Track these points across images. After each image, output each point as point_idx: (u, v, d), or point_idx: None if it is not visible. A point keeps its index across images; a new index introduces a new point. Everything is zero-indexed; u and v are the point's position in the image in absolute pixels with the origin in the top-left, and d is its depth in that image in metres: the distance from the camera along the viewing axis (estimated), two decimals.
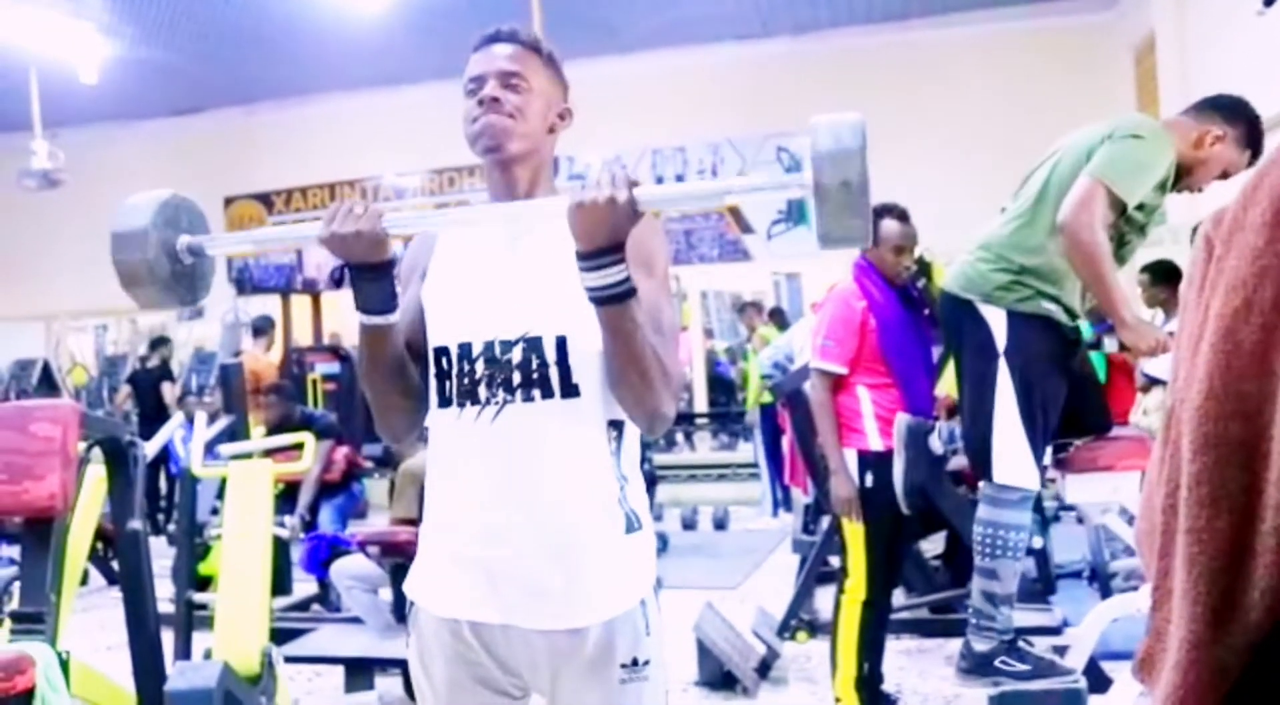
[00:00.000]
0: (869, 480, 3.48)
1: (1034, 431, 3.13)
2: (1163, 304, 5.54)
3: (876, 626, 3.63)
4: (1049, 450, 3.34)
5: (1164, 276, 5.57)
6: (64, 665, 2.60)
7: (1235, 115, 3.18)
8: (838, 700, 3.63)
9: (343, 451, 6.38)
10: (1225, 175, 3.16)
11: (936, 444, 3.52)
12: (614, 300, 1.52)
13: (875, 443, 3.48)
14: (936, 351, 3.78)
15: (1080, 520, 5.54)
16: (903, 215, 3.60)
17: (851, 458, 3.50)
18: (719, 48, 10.02)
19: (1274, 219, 0.83)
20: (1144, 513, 1.00)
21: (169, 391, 9.66)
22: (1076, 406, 3.30)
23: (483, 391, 1.65)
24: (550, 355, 1.64)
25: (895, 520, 3.53)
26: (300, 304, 12.07)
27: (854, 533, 3.54)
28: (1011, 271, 3.14)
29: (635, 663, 1.67)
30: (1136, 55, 8.72)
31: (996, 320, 3.14)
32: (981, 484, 3.29)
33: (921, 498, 3.54)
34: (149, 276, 1.67)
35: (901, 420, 3.46)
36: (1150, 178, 3.06)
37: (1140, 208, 3.09)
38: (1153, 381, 4.62)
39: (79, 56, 9.12)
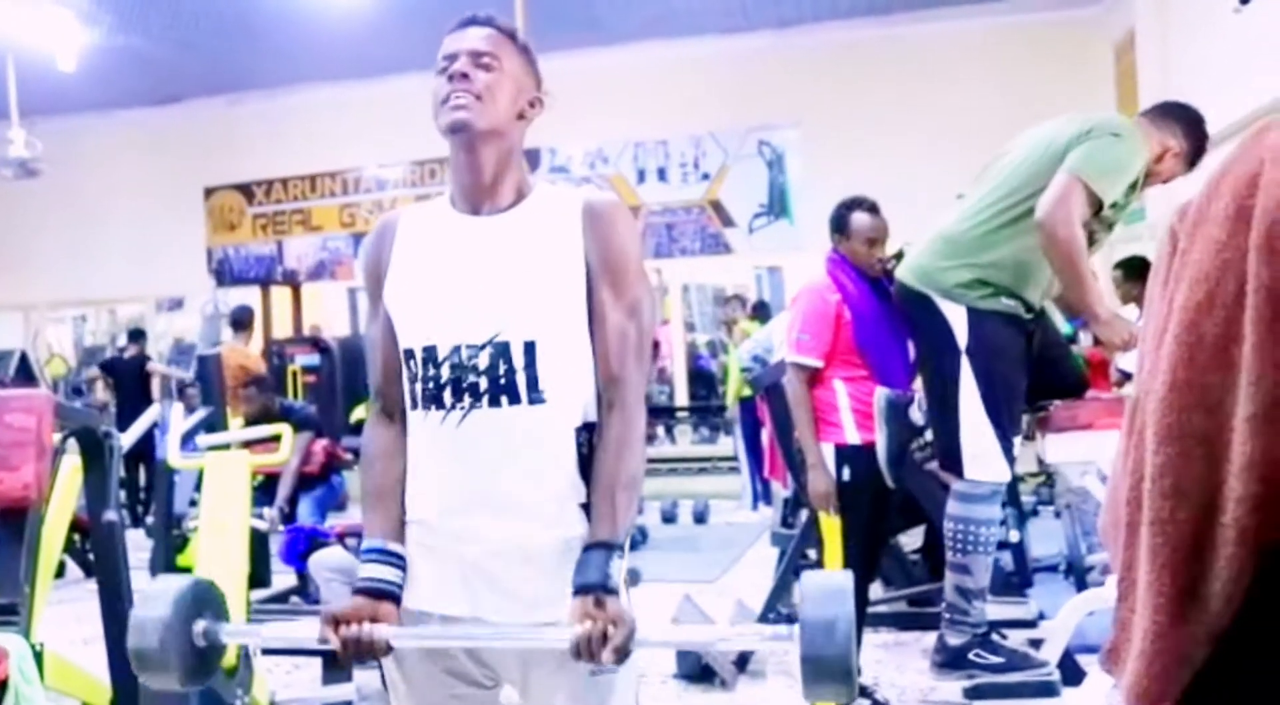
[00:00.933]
0: (845, 474, 3.49)
1: (1001, 425, 3.16)
2: (1136, 300, 5.58)
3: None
4: (1025, 416, 3.39)
5: (1137, 272, 5.61)
6: (38, 657, 2.59)
7: (1193, 131, 3.22)
8: None
9: (322, 444, 6.35)
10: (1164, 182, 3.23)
11: (917, 415, 3.54)
12: None
13: (852, 436, 3.49)
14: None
15: (1057, 514, 5.59)
16: (873, 208, 3.61)
17: (828, 451, 3.51)
18: (703, 41, 10.01)
19: (1236, 213, 0.84)
20: (1109, 505, 1.00)
21: (155, 382, 9.59)
22: (1050, 372, 3.33)
23: (448, 396, 1.64)
24: (518, 361, 1.62)
25: (872, 514, 3.55)
26: (280, 295, 12.02)
27: (830, 526, 3.55)
28: (977, 267, 3.15)
29: None
30: (1117, 51, 8.76)
31: (956, 317, 3.16)
32: (952, 481, 3.31)
33: (903, 470, 3.57)
34: (164, 669, 1.62)
35: (881, 393, 3.47)
36: (1126, 178, 3.09)
37: (1113, 206, 3.12)
38: (1127, 376, 4.65)
39: (57, 44, 9.03)
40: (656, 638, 1.60)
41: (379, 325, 1.75)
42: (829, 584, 1.48)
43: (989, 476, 3.19)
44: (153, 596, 1.63)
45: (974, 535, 3.21)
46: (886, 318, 3.54)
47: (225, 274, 11.85)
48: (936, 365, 3.27)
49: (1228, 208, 0.86)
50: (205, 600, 1.67)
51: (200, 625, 1.63)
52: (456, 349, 1.63)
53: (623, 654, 1.50)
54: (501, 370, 1.62)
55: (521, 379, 1.62)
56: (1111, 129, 3.11)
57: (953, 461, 3.23)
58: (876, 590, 5.06)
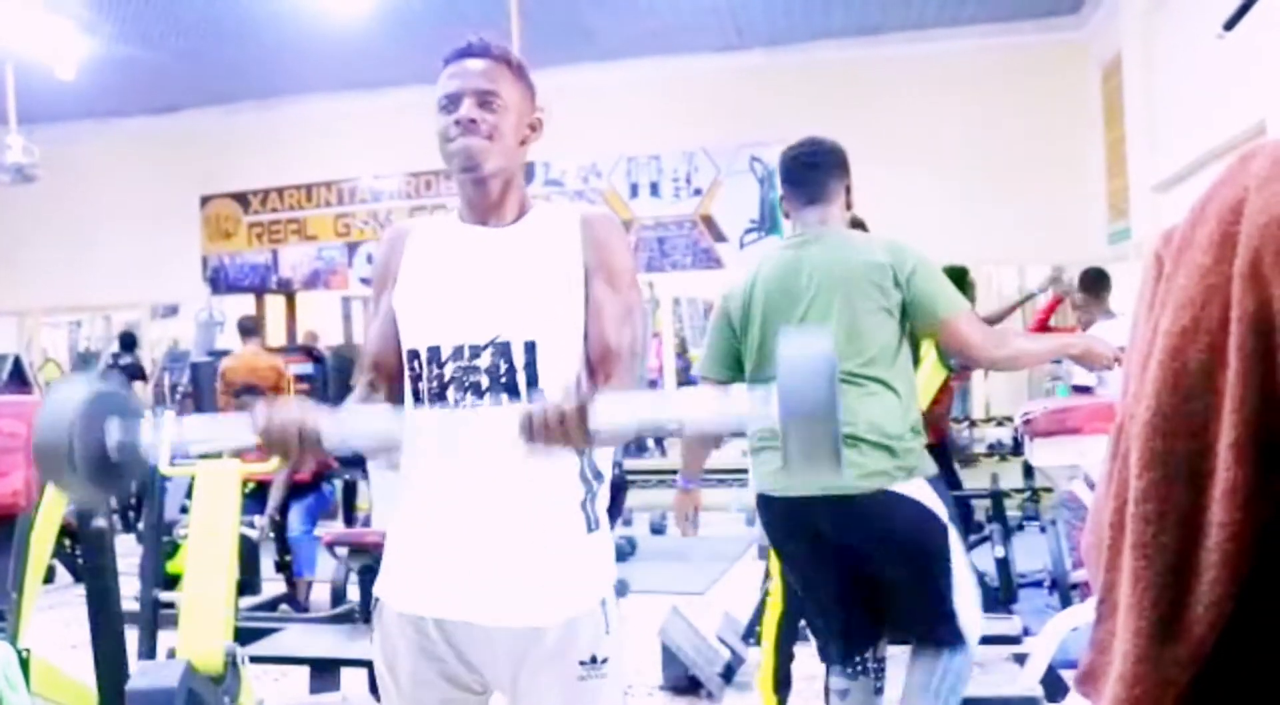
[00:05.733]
0: None
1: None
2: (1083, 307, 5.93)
3: (791, 631, 3.65)
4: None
5: (1092, 283, 5.90)
6: (24, 663, 2.59)
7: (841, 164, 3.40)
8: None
9: None
10: None
11: None
12: None
13: None
14: None
15: (1043, 530, 5.60)
16: None
17: None
18: (696, 58, 10.05)
19: (1221, 238, 0.84)
20: (1092, 527, 1.01)
21: (141, 389, 9.57)
22: None
23: (451, 394, 1.68)
24: (519, 360, 1.67)
25: None
26: (274, 303, 12.01)
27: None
28: (915, 432, 2.87)
29: (594, 660, 1.70)
30: (1104, 73, 8.81)
31: (925, 494, 2.82)
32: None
33: None
34: (72, 471, 1.52)
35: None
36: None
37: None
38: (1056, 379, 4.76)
39: (56, 53, 9.05)
40: (621, 418, 1.43)
41: (380, 315, 1.81)
42: (811, 345, 1.38)
43: (977, 635, 2.95)
44: (62, 393, 1.55)
45: (953, 689, 2.93)
46: None
47: (220, 282, 11.84)
48: (923, 557, 2.87)
49: (1213, 234, 0.86)
50: (116, 401, 1.60)
51: (114, 422, 1.55)
52: (459, 349, 1.68)
53: (579, 410, 1.41)
54: (503, 368, 1.67)
55: (522, 377, 1.67)
56: (912, 256, 2.96)
57: (955, 637, 2.90)
58: None
